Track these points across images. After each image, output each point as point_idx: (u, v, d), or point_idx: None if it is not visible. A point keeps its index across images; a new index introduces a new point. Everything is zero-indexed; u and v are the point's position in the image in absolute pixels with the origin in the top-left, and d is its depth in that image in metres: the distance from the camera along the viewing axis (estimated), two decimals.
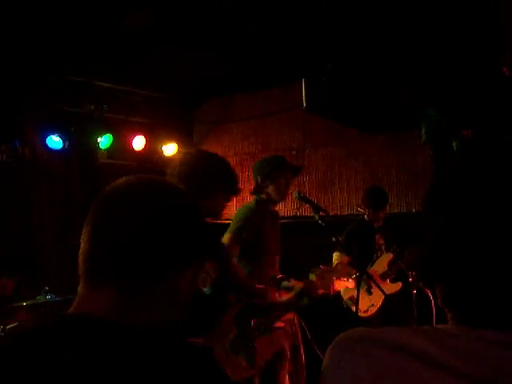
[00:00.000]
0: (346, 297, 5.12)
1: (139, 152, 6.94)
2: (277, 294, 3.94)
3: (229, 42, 5.48)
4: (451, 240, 0.92)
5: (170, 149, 7.17)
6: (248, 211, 4.04)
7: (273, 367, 4.05)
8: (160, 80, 6.63)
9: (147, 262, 1.08)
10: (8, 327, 4.32)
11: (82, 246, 1.12)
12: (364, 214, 5.36)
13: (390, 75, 4.27)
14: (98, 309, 1.06)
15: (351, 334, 0.98)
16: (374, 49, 4.33)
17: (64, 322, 1.06)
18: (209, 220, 2.83)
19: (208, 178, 2.77)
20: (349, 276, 4.11)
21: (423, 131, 4.63)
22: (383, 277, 5.04)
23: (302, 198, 4.22)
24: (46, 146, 6.28)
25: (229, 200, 2.89)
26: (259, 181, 4.14)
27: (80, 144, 6.68)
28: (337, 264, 4.05)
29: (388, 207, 5.60)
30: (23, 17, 4.74)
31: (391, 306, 4.89)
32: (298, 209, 6.63)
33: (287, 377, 4.16)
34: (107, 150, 6.76)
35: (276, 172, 4.11)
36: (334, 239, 4.69)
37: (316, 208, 4.08)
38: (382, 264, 5.16)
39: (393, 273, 5.11)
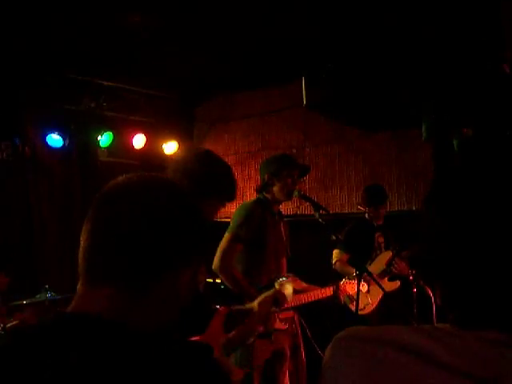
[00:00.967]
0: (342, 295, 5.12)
1: (139, 150, 6.94)
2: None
3: (229, 41, 5.48)
4: (451, 240, 0.91)
5: (170, 147, 7.17)
6: (247, 210, 4.01)
7: (272, 366, 4.05)
8: (160, 78, 6.62)
9: (144, 262, 1.08)
10: (8, 326, 4.32)
11: (81, 244, 1.12)
12: (364, 212, 5.36)
13: (390, 73, 4.26)
14: (96, 307, 1.06)
15: (351, 333, 0.98)
16: (374, 46, 4.33)
17: (62, 321, 1.06)
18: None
19: (207, 180, 2.75)
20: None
21: (424, 129, 4.62)
22: (381, 275, 5.04)
23: (303, 197, 4.21)
24: (46, 144, 6.29)
25: (224, 205, 2.86)
26: (266, 179, 4.11)
27: (80, 142, 6.68)
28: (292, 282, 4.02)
29: (388, 205, 5.60)
30: (23, 15, 4.74)
31: (390, 304, 4.90)
32: (298, 207, 6.63)
33: (287, 376, 4.16)
34: (107, 148, 6.76)
35: (283, 171, 4.08)
36: (334, 237, 4.69)
37: (316, 206, 4.07)
38: (380, 262, 5.16)
39: (391, 271, 5.11)
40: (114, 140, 6.63)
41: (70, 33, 5.15)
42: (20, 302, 4.74)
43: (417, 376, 0.85)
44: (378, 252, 5.27)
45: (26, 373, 0.96)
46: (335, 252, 5.20)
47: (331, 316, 4.98)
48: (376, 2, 4.25)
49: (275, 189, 4.08)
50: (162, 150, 7.16)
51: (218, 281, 5.01)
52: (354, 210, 5.79)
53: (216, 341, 2.67)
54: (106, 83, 6.56)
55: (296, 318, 4.19)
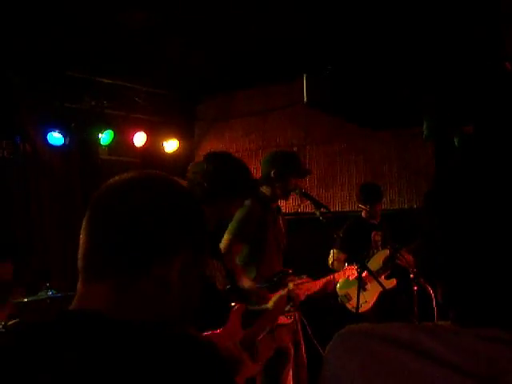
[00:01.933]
0: (341, 293, 5.13)
1: (140, 148, 6.93)
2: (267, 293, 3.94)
3: (230, 39, 5.48)
4: (452, 239, 0.91)
5: (170, 145, 7.17)
6: (247, 209, 4.00)
7: (276, 364, 4.06)
8: (161, 76, 6.62)
9: (131, 255, 1.08)
10: (9, 323, 4.32)
11: (80, 242, 1.13)
12: (362, 210, 5.37)
13: (391, 70, 4.26)
14: (92, 304, 1.07)
15: (353, 329, 0.98)
16: (374, 43, 4.32)
17: (62, 319, 1.06)
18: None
19: (221, 179, 2.78)
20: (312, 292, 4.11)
21: (425, 127, 4.62)
22: (378, 273, 5.04)
23: (304, 195, 4.20)
24: (47, 142, 6.28)
25: (242, 202, 2.91)
26: (273, 175, 4.07)
27: (81, 140, 6.68)
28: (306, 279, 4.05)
29: (389, 203, 5.60)
30: (24, 13, 4.73)
31: (387, 303, 4.90)
32: (299, 205, 6.63)
33: (290, 375, 4.16)
34: (108, 146, 6.76)
35: (289, 170, 4.07)
36: (335, 235, 4.70)
37: (317, 204, 4.07)
38: (377, 260, 5.16)
39: (388, 269, 5.12)
40: (114, 138, 6.62)
41: (71, 31, 5.15)
42: (21, 300, 4.74)
43: (417, 373, 0.85)
44: (375, 251, 5.28)
45: (28, 371, 0.96)
46: (333, 252, 5.19)
47: (331, 313, 4.98)
48: None
49: (278, 185, 4.07)
50: (163, 148, 7.16)
51: None
52: (355, 209, 5.79)
53: (234, 336, 2.70)
54: (106, 81, 6.56)
55: (297, 316, 4.19)
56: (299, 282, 3.86)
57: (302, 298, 3.93)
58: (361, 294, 4.97)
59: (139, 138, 6.87)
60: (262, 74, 6.48)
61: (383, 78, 4.35)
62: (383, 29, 4.33)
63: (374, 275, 4.33)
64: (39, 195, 6.47)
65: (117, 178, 1.17)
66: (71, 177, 6.76)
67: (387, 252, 5.16)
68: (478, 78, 3.75)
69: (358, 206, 5.48)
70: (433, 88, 4.15)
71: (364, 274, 4.38)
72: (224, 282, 2.97)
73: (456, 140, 3.94)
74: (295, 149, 6.73)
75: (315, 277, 4.15)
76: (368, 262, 5.10)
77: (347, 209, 6.50)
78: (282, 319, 4.02)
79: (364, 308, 5.01)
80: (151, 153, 7.03)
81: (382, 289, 4.72)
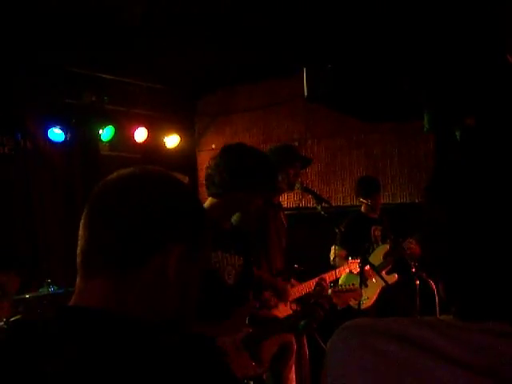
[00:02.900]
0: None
1: (141, 144, 6.93)
2: (289, 286, 3.94)
3: (230, 33, 5.46)
4: (452, 232, 0.90)
5: (171, 140, 7.17)
6: None
7: (279, 360, 4.06)
8: (162, 71, 6.61)
9: (125, 248, 1.07)
10: (11, 319, 4.33)
11: (78, 238, 1.13)
12: (362, 205, 5.36)
13: (391, 63, 4.24)
14: (91, 300, 1.07)
15: (354, 324, 0.98)
16: (374, 36, 4.30)
17: (62, 315, 1.07)
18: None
19: (241, 173, 2.75)
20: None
21: (426, 120, 4.60)
22: (379, 268, 5.03)
23: (305, 189, 4.21)
24: (48, 138, 6.29)
25: (264, 197, 2.88)
26: None
27: (82, 136, 6.68)
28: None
29: (391, 197, 5.59)
30: (24, 10, 4.73)
31: (389, 298, 4.89)
32: (300, 200, 6.63)
33: (293, 370, 4.16)
34: (109, 142, 6.76)
35: (286, 161, 4.07)
36: (337, 230, 4.69)
37: (318, 199, 4.07)
38: (378, 256, 5.15)
39: (389, 264, 5.11)
40: (115, 134, 6.63)
41: (71, 27, 5.14)
42: (23, 296, 4.75)
43: (419, 368, 0.85)
44: (375, 246, 5.27)
45: (27, 367, 0.96)
46: (333, 248, 5.18)
47: (333, 310, 4.98)
48: None
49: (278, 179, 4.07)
50: (164, 144, 7.16)
51: None
52: (356, 203, 5.78)
53: (235, 332, 2.68)
54: (107, 77, 6.56)
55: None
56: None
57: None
58: (362, 291, 4.97)
59: (140, 134, 6.87)
60: (262, 68, 6.47)
61: (383, 71, 4.34)
62: (383, 21, 4.31)
63: (377, 270, 4.33)
64: (40, 191, 6.47)
65: (115, 173, 1.17)
66: (72, 173, 6.76)
67: (387, 247, 5.16)
68: (479, 70, 3.74)
69: (360, 201, 5.47)
70: (433, 80, 4.14)
71: (365, 270, 4.38)
72: (236, 277, 2.94)
73: (457, 133, 3.92)
74: (296, 143, 6.72)
75: (313, 272, 4.16)
76: (368, 257, 5.10)
77: (348, 203, 6.50)
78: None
79: (366, 304, 4.99)
80: (152, 148, 7.03)
81: (383, 284, 4.72)
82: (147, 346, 0.97)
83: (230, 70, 6.64)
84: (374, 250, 5.22)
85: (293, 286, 3.97)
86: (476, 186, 0.89)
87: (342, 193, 6.65)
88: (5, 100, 5.89)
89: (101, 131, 6.53)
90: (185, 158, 7.51)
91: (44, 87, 6.10)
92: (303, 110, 6.73)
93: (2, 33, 5.10)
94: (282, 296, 3.84)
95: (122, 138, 6.81)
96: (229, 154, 2.84)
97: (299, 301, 3.87)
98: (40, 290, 4.91)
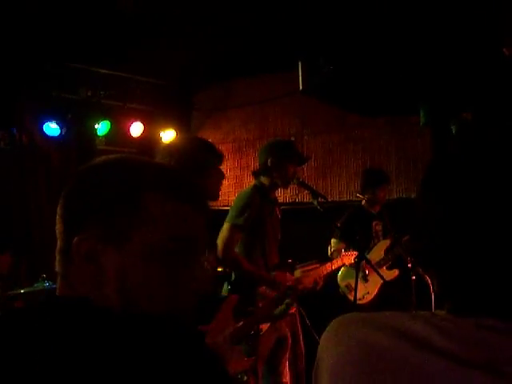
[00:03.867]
0: (342, 284, 5.12)
1: (137, 138, 6.93)
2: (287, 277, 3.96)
3: (227, 28, 5.45)
4: (448, 227, 0.90)
5: (167, 135, 7.16)
6: (246, 199, 4.00)
7: (274, 354, 4.07)
8: (158, 66, 6.60)
9: (64, 230, 1.07)
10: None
11: None
12: (362, 200, 5.34)
13: (386, 57, 4.23)
14: (60, 289, 1.08)
15: (348, 318, 0.97)
16: (370, 29, 4.29)
17: (46, 304, 1.09)
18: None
19: (197, 159, 2.75)
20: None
21: (422, 114, 4.59)
22: (380, 264, 5.03)
23: (301, 184, 4.19)
24: (44, 132, 6.29)
25: (222, 177, 2.86)
26: (269, 163, 4.06)
27: (78, 131, 6.68)
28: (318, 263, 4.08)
29: (388, 193, 5.58)
30: (20, 4, 4.71)
31: (389, 293, 4.90)
32: (296, 195, 6.63)
33: (287, 365, 4.18)
34: (105, 136, 6.76)
35: (285, 157, 4.06)
36: (334, 226, 4.69)
37: (315, 194, 4.06)
38: (378, 251, 5.15)
39: (390, 260, 5.10)
40: (111, 128, 6.63)
41: (67, 21, 5.13)
42: (17, 291, 4.75)
43: (414, 363, 0.84)
44: (376, 241, 5.26)
45: (14, 360, 0.94)
46: (333, 241, 5.17)
47: (330, 305, 4.98)
48: None
49: (276, 174, 4.06)
50: (160, 138, 7.14)
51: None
52: (353, 198, 5.78)
53: (223, 329, 2.67)
54: (102, 71, 6.55)
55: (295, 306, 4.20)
56: (308, 268, 3.87)
57: (310, 286, 3.95)
58: (363, 285, 4.98)
59: (136, 128, 6.86)
60: (259, 63, 6.46)
61: (379, 65, 4.33)
62: (379, 15, 4.30)
63: (372, 265, 4.33)
64: (36, 185, 6.47)
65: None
66: (68, 167, 6.75)
67: (388, 242, 5.15)
68: (475, 63, 3.73)
69: (356, 196, 5.46)
70: (429, 74, 4.13)
71: (365, 265, 4.39)
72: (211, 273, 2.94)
73: (453, 127, 3.92)
74: (293, 138, 6.71)
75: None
76: (369, 252, 5.10)
77: (345, 198, 6.50)
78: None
79: (366, 299, 5.00)
80: (148, 143, 7.01)
81: (381, 280, 4.74)
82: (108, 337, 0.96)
83: (227, 64, 6.62)
84: (374, 244, 5.21)
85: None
86: (471, 180, 0.88)
87: (338, 188, 6.64)
88: (0, 95, 5.88)
89: (97, 126, 6.53)
90: None
91: (40, 82, 6.09)
92: (300, 105, 6.73)
93: None
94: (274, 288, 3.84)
95: (118, 132, 6.81)
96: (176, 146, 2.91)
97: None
98: (35, 285, 4.91)
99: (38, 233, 6.40)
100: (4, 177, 6.19)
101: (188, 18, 5.18)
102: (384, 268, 5.05)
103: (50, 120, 6.26)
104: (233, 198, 4.44)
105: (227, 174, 7.18)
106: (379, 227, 5.30)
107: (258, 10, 5.03)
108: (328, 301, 4.93)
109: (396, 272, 5.09)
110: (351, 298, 4.97)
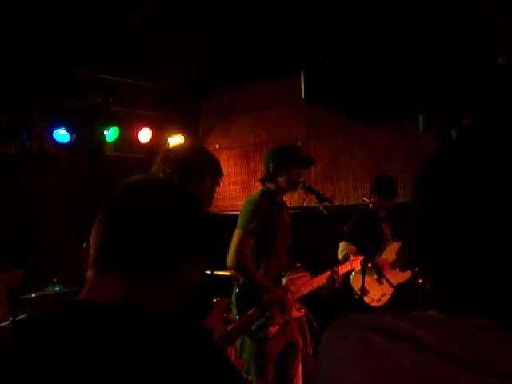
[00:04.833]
0: (356, 288, 5.11)
1: (145, 144, 6.96)
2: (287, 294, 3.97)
3: (233, 35, 5.49)
4: (441, 228, 0.91)
5: (176, 141, 7.18)
6: (255, 204, 4.01)
7: (286, 357, 4.08)
8: (166, 72, 6.63)
9: (162, 257, 1.14)
10: (17, 319, 4.37)
11: (94, 235, 1.16)
12: (369, 203, 5.33)
13: (387, 65, 4.25)
14: (109, 296, 1.10)
15: (348, 320, 0.98)
16: (370, 38, 4.31)
17: (75, 309, 1.09)
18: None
19: (191, 165, 2.78)
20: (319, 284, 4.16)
21: (421, 120, 4.61)
22: (393, 265, 5.05)
23: (308, 189, 4.20)
24: (54, 139, 6.32)
25: (217, 184, 2.89)
26: (271, 170, 4.09)
27: (87, 137, 6.71)
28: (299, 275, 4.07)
29: None
30: (29, 12, 4.76)
31: (402, 295, 4.90)
32: (303, 199, 6.64)
33: (300, 370, 4.18)
34: (114, 142, 6.78)
35: (288, 162, 4.06)
36: (345, 228, 4.71)
37: (321, 198, 4.08)
38: (390, 253, 5.15)
39: (402, 261, 5.10)
40: (120, 134, 6.66)
41: (76, 29, 5.18)
42: (29, 296, 4.78)
43: (409, 362, 0.86)
44: (387, 242, 5.26)
45: (36, 364, 0.98)
46: (342, 244, 5.16)
47: (337, 308, 4.99)
48: None
49: (280, 179, 4.07)
50: (168, 144, 7.17)
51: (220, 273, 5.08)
52: (359, 202, 5.79)
53: (215, 332, 2.70)
54: (111, 78, 6.59)
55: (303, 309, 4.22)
56: (294, 276, 3.89)
57: (299, 294, 3.97)
58: (378, 287, 4.99)
59: (144, 135, 6.90)
60: (265, 69, 6.48)
61: (379, 73, 4.34)
62: (379, 23, 4.33)
63: (379, 270, 4.36)
64: (46, 192, 6.51)
65: (136, 177, 1.22)
66: (78, 173, 6.80)
67: (398, 244, 5.14)
68: (471, 72, 3.75)
69: (363, 200, 5.46)
70: (428, 82, 4.15)
71: (381, 267, 4.41)
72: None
73: (453, 133, 3.94)
74: (299, 143, 6.75)
75: (317, 271, 4.19)
76: (381, 255, 5.10)
77: (351, 202, 6.50)
78: (296, 313, 4.06)
79: (383, 301, 4.99)
80: (156, 149, 7.00)
81: (398, 281, 4.81)
82: (164, 342, 1.02)
83: (234, 70, 6.66)
84: (385, 246, 5.21)
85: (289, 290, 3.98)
86: (465, 181, 0.89)
87: (345, 192, 6.66)
88: (11, 102, 5.94)
89: (106, 132, 6.56)
90: None
91: (49, 89, 6.14)
92: (306, 110, 6.73)
93: (8, 35, 5.14)
94: (281, 306, 3.85)
95: (127, 138, 6.84)
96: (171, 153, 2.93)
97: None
98: (46, 289, 4.94)
99: (47, 238, 6.45)
100: (15, 183, 6.23)
101: (196, 25, 5.22)
102: (397, 269, 5.06)
103: (59, 127, 6.29)
104: (241, 202, 4.46)
105: (235, 178, 7.23)
106: (388, 230, 5.30)
107: (264, 16, 5.07)
108: (336, 304, 4.96)
109: (409, 273, 5.07)
110: (368, 300, 4.98)
